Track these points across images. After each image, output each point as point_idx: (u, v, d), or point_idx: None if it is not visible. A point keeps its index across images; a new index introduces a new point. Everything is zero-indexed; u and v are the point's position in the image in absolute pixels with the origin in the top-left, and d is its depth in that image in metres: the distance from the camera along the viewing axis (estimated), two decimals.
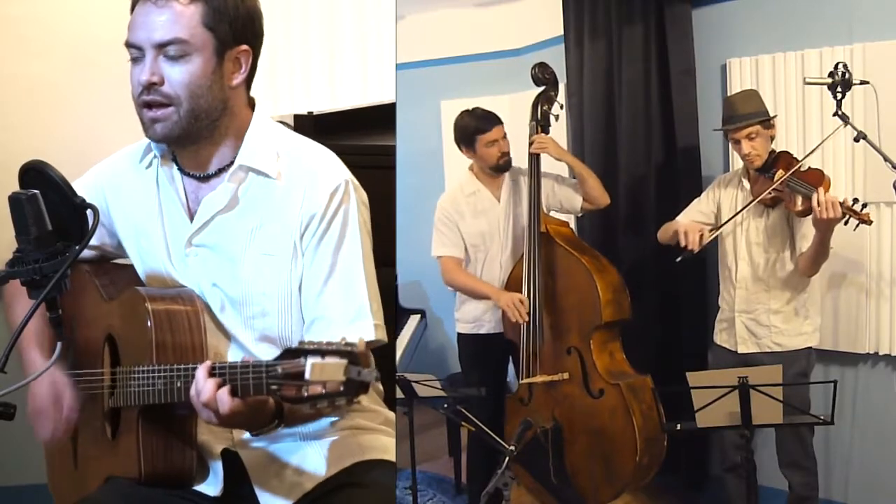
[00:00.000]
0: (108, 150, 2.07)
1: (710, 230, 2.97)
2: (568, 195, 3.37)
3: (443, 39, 4.78)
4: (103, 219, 1.94)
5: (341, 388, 1.46)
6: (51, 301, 1.52)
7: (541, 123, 3.30)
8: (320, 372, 1.45)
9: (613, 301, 3.13)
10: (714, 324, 3.19)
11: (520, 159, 3.42)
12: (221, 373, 1.59)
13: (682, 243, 2.93)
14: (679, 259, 2.93)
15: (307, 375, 1.46)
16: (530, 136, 3.29)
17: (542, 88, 3.34)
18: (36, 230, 1.49)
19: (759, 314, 3.00)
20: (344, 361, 1.45)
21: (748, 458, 2.62)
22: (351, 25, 3.74)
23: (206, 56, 1.75)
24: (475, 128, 3.35)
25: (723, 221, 3.04)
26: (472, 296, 3.39)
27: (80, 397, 1.86)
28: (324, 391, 1.46)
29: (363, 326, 1.78)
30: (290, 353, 1.51)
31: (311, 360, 1.46)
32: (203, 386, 1.59)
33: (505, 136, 3.37)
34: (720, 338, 3.14)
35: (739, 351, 3.04)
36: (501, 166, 3.39)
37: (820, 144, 2.92)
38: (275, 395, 1.54)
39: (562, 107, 3.35)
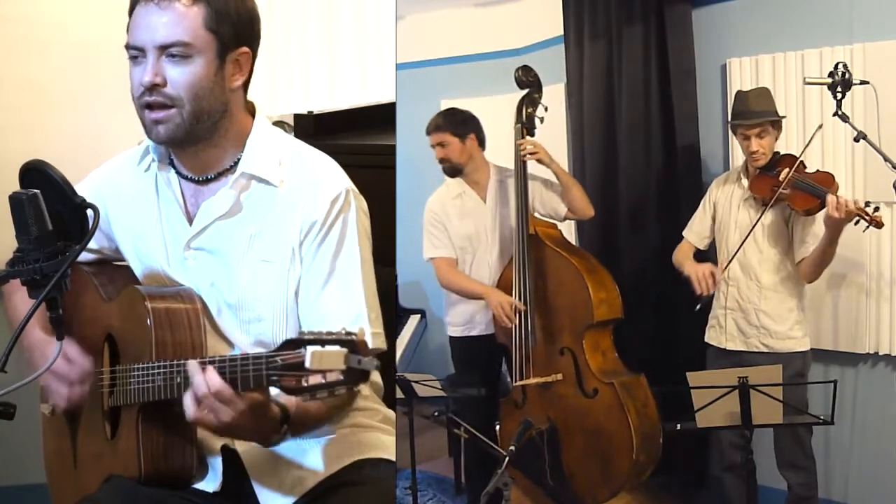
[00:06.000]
0: (107, 149, 2.07)
1: (721, 269, 2.99)
2: (553, 201, 3.36)
3: (443, 39, 4.77)
4: (102, 224, 1.94)
5: (341, 377, 1.46)
6: (51, 301, 1.52)
7: (526, 126, 3.27)
8: (320, 360, 1.46)
9: (605, 300, 3.12)
10: None
11: (505, 159, 3.41)
12: (221, 367, 1.59)
13: (698, 291, 2.96)
14: (698, 308, 2.97)
15: (307, 363, 1.46)
16: (516, 139, 3.26)
17: (525, 91, 3.32)
18: (36, 230, 1.49)
19: (749, 313, 3.01)
20: (344, 350, 1.46)
21: (748, 458, 2.62)
22: (351, 25, 3.74)
23: (208, 58, 1.74)
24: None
25: (723, 235, 3.09)
26: (466, 297, 3.38)
27: (91, 364, 1.85)
28: (324, 380, 1.47)
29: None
30: (290, 344, 1.51)
31: (310, 349, 1.46)
32: (195, 376, 1.57)
33: (443, 145, 3.41)
34: (709, 335, 3.15)
35: (727, 347, 3.05)
36: (444, 170, 3.44)
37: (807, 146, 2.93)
38: (275, 386, 1.54)
39: (546, 109, 3.33)
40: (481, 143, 3.46)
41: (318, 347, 1.46)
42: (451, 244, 3.40)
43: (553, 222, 3.38)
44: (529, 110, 3.29)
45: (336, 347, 1.46)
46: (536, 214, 3.36)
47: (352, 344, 1.47)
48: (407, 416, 3.15)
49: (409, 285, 4.60)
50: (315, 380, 1.47)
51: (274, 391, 1.61)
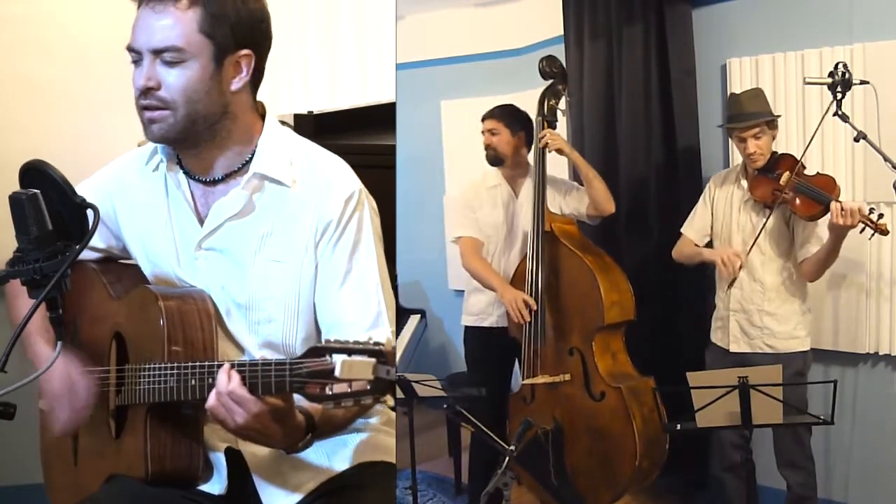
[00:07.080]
0: (108, 149, 2.07)
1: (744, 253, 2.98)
2: (575, 201, 3.37)
3: (443, 39, 4.77)
4: (109, 222, 1.95)
5: (367, 387, 1.46)
6: (51, 300, 1.51)
7: (547, 119, 3.28)
8: (350, 369, 1.46)
9: (617, 303, 3.11)
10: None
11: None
12: (241, 369, 1.59)
13: (725, 274, 2.94)
14: (729, 287, 2.96)
15: (337, 372, 1.46)
16: (537, 131, 3.28)
17: (549, 82, 3.32)
18: (36, 230, 1.48)
19: (752, 315, 3.00)
20: (373, 360, 1.46)
21: (748, 458, 2.62)
22: (351, 25, 3.74)
23: (203, 62, 1.74)
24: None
25: (716, 227, 3.07)
26: (480, 283, 3.38)
27: (94, 387, 1.85)
28: (349, 389, 1.47)
29: (381, 334, 1.77)
30: (316, 352, 1.52)
31: (340, 358, 1.46)
32: (221, 379, 1.59)
33: (493, 132, 3.42)
34: (715, 336, 3.15)
35: (731, 349, 3.05)
36: (487, 156, 3.45)
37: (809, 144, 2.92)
38: (299, 393, 1.54)
39: (569, 102, 3.34)
40: (528, 144, 3.48)
41: (346, 356, 1.46)
42: (478, 228, 3.42)
43: (571, 219, 3.37)
44: (552, 102, 3.31)
45: (365, 357, 1.46)
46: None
47: (380, 354, 1.47)
48: (407, 417, 3.14)
49: (409, 285, 4.60)
50: (340, 388, 1.47)
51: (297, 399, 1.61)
